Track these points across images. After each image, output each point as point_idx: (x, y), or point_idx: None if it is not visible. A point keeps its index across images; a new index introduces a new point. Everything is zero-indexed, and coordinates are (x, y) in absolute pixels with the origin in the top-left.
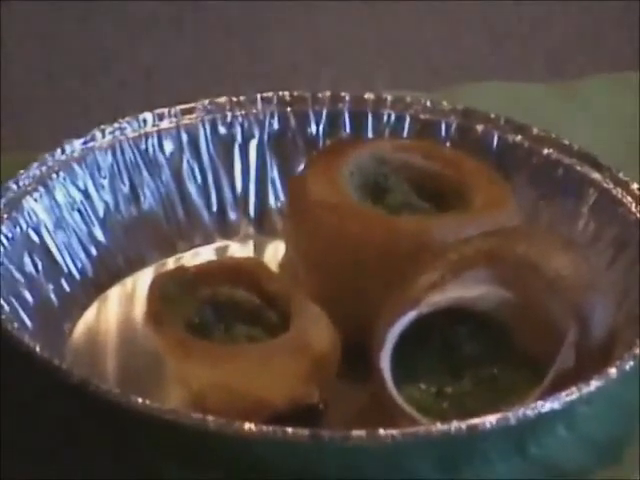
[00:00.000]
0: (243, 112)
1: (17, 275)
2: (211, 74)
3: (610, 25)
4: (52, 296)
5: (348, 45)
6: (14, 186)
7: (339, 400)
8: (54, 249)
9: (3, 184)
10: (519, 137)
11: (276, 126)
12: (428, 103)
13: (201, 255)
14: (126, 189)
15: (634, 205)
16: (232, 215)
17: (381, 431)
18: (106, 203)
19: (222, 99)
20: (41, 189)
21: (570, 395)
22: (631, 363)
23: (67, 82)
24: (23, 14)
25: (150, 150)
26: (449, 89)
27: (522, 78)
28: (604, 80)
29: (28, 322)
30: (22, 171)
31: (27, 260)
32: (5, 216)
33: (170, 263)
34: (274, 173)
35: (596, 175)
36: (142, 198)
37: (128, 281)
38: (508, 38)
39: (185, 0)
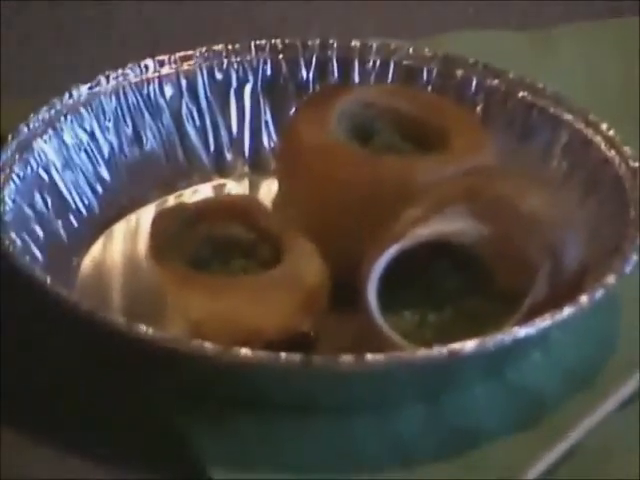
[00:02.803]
0: (238, 59)
1: (28, 212)
2: (209, 25)
3: None
4: (61, 231)
5: None
6: (25, 129)
7: (329, 330)
8: (63, 187)
9: (15, 127)
10: (496, 81)
11: (269, 72)
12: (411, 50)
13: (199, 193)
14: (129, 131)
15: (603, 145)
16: (228, 155)
17: (368, 356)
18: (111, 144)
19: (218, 47)
20: (50, 131)
21: (544, 321)
22: (601, 292)
23: (72, 34)
24: None
25: (151, 95)
26: (431, 37)
27: (499, 27)
28: (577, 29)
29: (39, 256)
30: (32, 114)
31: (38, 198)
32: (17, 157)
33: (171, 201)
34: (267, 116)
35: (568, 116)
36: (144, 140)
37: (132, 217)
38: None
39: None
